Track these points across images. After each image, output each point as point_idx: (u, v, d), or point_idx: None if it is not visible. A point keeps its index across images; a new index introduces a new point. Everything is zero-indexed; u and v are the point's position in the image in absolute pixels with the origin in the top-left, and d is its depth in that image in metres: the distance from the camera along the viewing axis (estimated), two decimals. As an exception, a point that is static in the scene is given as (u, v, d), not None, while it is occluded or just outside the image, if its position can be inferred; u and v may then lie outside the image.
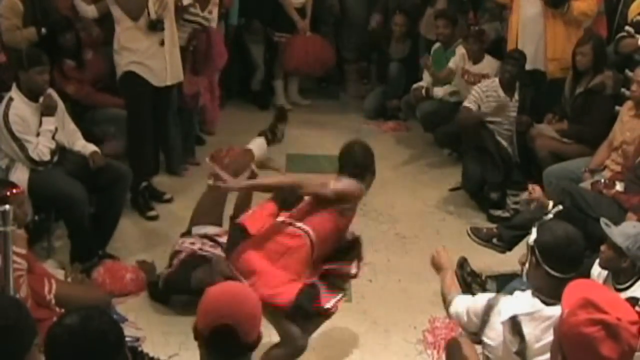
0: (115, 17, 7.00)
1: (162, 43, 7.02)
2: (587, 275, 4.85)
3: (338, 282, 5.24)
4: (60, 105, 6.43)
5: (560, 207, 5.97)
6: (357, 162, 5.21)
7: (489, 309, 3.77)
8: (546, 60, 7.94)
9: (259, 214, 5.24)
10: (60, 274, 5.75)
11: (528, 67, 7.83)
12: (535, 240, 3.92)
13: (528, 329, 3.55)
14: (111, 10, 7.04)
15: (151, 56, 7.01)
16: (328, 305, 5.04)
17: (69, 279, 5.70)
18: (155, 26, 6.93)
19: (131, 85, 7.08)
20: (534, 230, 4.10)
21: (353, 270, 5.30)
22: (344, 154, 5.28)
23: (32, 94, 6.21)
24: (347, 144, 5.36)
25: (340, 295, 5.18)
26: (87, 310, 2.94)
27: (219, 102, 8.66)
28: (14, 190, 5.09)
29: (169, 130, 7.86)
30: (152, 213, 7.33)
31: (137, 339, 5.41)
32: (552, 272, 3.72)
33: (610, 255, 4.74)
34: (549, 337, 3.18)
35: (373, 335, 5.83)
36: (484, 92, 7.74)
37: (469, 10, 9.65)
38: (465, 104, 7.82)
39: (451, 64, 8.71)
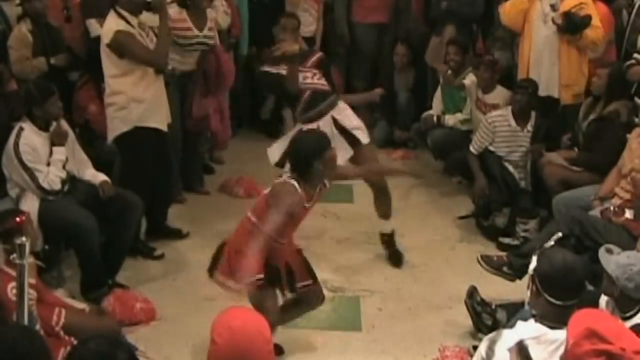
0: (118, 71, 6.72)
1: (167, 84, 6.99)
2: (597, 303, 4.85)
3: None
4: (71, 134, 6.47)
5: (560, 234, 5.99)
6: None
7: (492, 343, 3.75)
8: (560, 86, 7.93)
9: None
10: (76, 303, 5.77)
11: (541, 93, 7.84)
12: (535, 269, 3.93)
13: (535, 352, 3.53)
14: (110, 65, 6.71)
15: (156, 102, 6.88)
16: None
17: (86, 309, 5.72)
18: (164, 69, 6.87)
19: (139, 141, 6.85)
20: (534, 259, 4.10)
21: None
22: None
23: (44, 124, 6.24)
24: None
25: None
26: (110, 336, 2.97)
27: (230, 122, 8.55)
28: (18, 219, 5.17)
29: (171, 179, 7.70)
30: (157, 253, 7.21)
31: (147, 369, 5.42)
32: (552, 300, 3.71)
33: (605, 283, 4.78)
34: (556, 360, 3.18)
35: (382, 364, 5.82)
36: (492, 125, 7.78)
37: (478, 39, 9.67)
38: (471, 149, 7.93)
39: (466, 81, 8.73)
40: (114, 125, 6.86)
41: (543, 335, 3.59)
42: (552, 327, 3.62)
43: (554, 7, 7.72)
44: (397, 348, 5.99)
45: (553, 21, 7.74)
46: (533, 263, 4.06)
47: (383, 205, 7.11)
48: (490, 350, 3.74)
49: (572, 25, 7.68)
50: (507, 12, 8.09)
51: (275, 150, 6.86)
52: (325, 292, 5.93)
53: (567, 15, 7.68)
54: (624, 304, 4.74)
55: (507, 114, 7.82)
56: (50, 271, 6.41)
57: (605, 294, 4.89)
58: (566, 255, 3.95)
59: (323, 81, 6.86)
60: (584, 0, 7.78)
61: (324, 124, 6.69)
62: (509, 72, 8.75)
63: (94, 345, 2.89)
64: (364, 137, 6.87)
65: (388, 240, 7.19)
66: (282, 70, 6.77)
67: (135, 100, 6.73)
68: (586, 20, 7.65)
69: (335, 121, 6.77)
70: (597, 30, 7.76)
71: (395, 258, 7.17)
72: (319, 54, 7.19)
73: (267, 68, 6.93)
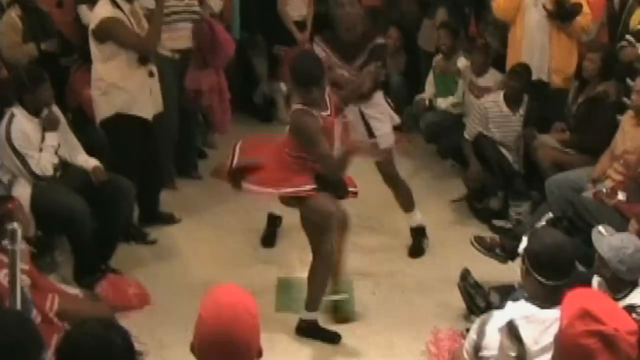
0: (102, 56, 6.72)
1: (151, 74, 6.90)
2: (588, 284, 4.86)
3: None
4: (62, 120, 6.46)
5: (551, 214, 6.01)
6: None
7: (482, 324, 3.76)
8: (550, 70, 7.93)
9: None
10: (69, 288, 5.77)
11: (533, 77, 7.84)
12: (525, 249, 3.93)
13: (525, 332, 3.54)
14: (95, 48, 6.71)
15: (140, 91, 6.83)
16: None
17: (79, 294, 5.72)
18: (148, 58, 6.80)
19: (123, 127, 6.84)
20: (524, 239, 4.11)
21: None
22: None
23: (35, 110, 6.23)
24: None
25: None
26: (105, 320, 2.97)
27: (229, 105, 8.30)
28: (9, 205, 5.17)
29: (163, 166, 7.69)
30: (150, 238, 7.20)
31: (140, 353, 5.40)
32: (542, 280, 3.72)
33: (598, 264, 4.82)
34: (547, 340, 3.18)
35: (376, 347, 5.83)
36: (485, 110, 7.80)
37: (471, 23, 9.65)
38: (466, 135, 7.95)
39: (460, 64, 8.72)
40: (98, 109, 6.88)
41: (533, 315, 3.60)
42: (542, 307, 3.62)
43: None
44: (390, 331, 6.01)
45: (544, 7, 7.72)
46: (523, 243, 4.07)
47: (400, 196, 7.10)
48: (481, 331, 3.75)
49: (562, 13, 7.67)
50: (500, 6, 8.05)
51: None
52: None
53: (558, 2, 7.66)
54: (616, 286, 4.76)
55: (499, 98, 7.82)
56: (43, 257, 6.41)
57: (597, 275, 4.91)
58: (556, 235, 3.95)
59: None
60: (573, -14, 7.74)
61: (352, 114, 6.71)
62: (502, 56, 8.73)
63: (89, 328, 2.90)
64: (382, 142, 6.88)
65: (414, 234, 7.18)
66: None
67: (116, 87, 6.72)
68: (577, 9, 7.63)
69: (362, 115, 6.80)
70: (587, 16, 7.74)
71: (413, 251, 7.16)
72: (373, 45, 6.68)
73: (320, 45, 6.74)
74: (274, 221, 7.17)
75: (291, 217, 6.39)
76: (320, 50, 6.58)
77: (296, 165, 5.67)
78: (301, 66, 5.68)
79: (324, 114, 5.65)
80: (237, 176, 5.85)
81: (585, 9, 7.71)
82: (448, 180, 8.60)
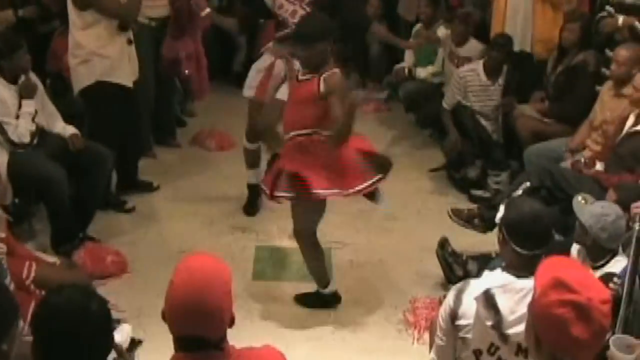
0: (82, 23, 6.58)
1: (129, 42, 6.80)
2: (567, 253, 4.88)
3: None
4: (40, 87, 6.41)
5: (528, 183, 6.03)
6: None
7: (459, 293, 3.77)
8: (533, 41, 7.92)
9: None
10: (46, 256, 5.75)
11: (515, 48, 7.83)
12: (502, 217, 3.93)
13: (502, 301, 3.55)
14: (74, 16, 6.58)
15: (119, 58, 6.73)
16: None
17: (57, 262, 5.70)
18: (127, 25, 6.72)
19: (103, 95, 6.72)
20: (501, 207, 4.11)
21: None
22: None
23: (12, 77, 6.18)
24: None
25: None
26: (82, 286, 2.96)
27: (207, 72, 8.10)
28: None
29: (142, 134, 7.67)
30: (128, 206, 7.17)
31: (118, 321, 5.40)
32: (518, 249, 3.72)
33: (578, 232, 4.83)
34: (523, 309, 3.19)
35: (353, 315, 5.85)
36: (463, 80, 7.79)
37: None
38: (444, 105, 7.95)
39: (440, 34, 8.70)
40: (77, 78, 6.78)
41: (509, 284, 3.61)
42: (518, 276, 3.63)
43: None
44: (368, 299, 6.04)
45: None
46: (500, 212, 4.07)
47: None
48: (458, 299, 3.76)
49: None
50: None
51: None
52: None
53: None
54: (596, 254, 4.79)
55: (478, 68, 7.82)
56: (20, 224, 6.39)
57: (577, 243, 4.94)
58: (533, 204, 3.95)
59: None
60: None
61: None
62: (482, 25, 8.72)
63: (65, 294, 2.88)
64: None
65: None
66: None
67: (97, 55, 6.62)
68: None
69: None
70: None
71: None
72: None
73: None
74: (253, 189, 7.14)
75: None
76: None
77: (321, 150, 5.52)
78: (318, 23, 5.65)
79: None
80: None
81: None
82: (427, 149, 8.61)
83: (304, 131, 5.51)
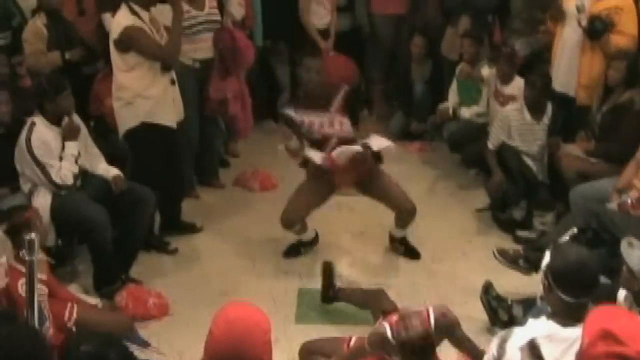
0: (124, 65, 6.63)
1: (172, 82, 6.84)
2: (613, 297, 4.78)
3: None
4: (83, 129, 6.45)
5: (575, 230, 5.92)
6: None
7: (503, 342, 3.70)
8: (578, 86, 7.81)
9: None
10: (89, 298, 5.77)
11: (560, 89, 7.76)
12: (548, 265, 3.85)
13: (547, 351, 3.48)
14: (117, 58, 6.63)
15: (163, 99, 6.76)
16: None
17: (99, 304, 5.71)
18: (170, 66, 6.75)
19: (147, 137, 6.76)
20: (547, 254, 4.03)
21: None
22: None
23: (56, 119, 6.22)
24: None
25: None
26: (105, 337, 2.94)
27: (251, 111, 8.20)
28: (26, 215, 5.18)
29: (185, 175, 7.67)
30: (171, 248, 7.17)
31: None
32: (565, 297, 3.64)
33: (626, 277, 4.70)
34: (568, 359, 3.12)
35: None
36: (507, 119, 7.73)
37: (495, 30, 9.58)
38: (489, 145, 7.86)
39: (483, 72, 8.67)
40: (122, 120, 6.81)
41: (555, 334, 3.53)
42: (564, 325, 3.56)
43: (579, 9, 7.54)
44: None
45: (579, 23, 7.58)
46: (546, 258, 3.99)
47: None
48: (501, 348, 3.69)
49: (594, 30, 7.52)
50: None
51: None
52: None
53: (592, 19, 7.51)
54: None
55: (522, 107, 7.74)
56: (63, 266, 6.43)
57: (624, 288, 4.82)
58: (580, 251, 3.88)
59: (349, 128, 6.78)
60: (620, 5, 7.49)
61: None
62: (528, 63, 8.66)
63: (83, 346, 2.87)
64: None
65: (400, 243, 7.15)
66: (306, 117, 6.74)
67: (141, 96, 6.65)
68: (607, 27, 7.46)
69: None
70: (625, 38, 7.54)
71: (411, 253, 7.12)
72: (343, 91, 6.91)
73: (290, 112, 6.84)
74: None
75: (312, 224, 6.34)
76: (297, 116, 6.75)
77: None
78: None
79: None
80: None
81: (629, 29, 7.52)
82: (472, 189, 8.52)
83: None
